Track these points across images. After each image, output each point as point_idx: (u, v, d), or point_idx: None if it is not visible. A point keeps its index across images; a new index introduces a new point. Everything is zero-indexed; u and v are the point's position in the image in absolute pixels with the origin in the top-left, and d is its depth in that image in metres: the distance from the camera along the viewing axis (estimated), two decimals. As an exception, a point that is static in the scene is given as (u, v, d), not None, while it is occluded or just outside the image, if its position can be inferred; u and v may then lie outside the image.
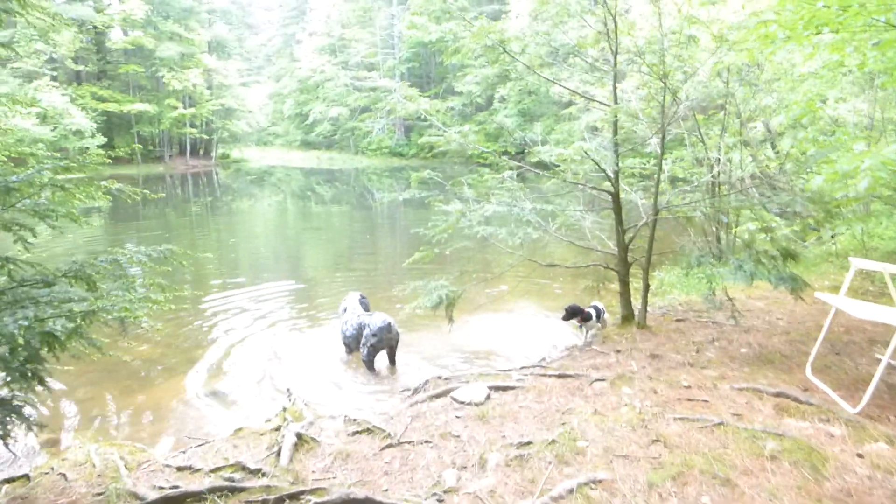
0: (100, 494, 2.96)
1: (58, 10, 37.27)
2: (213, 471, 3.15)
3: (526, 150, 6.45)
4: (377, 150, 48.49)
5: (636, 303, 6.38)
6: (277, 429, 3.78)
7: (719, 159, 8.69)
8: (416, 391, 4.54)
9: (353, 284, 10.35)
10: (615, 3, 5.30)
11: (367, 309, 6.55)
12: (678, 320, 6.33)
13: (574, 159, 5.93)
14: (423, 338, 6.87)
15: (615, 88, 5.80)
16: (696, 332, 5.75)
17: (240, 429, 3.98)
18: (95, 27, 40.48)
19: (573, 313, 5.99)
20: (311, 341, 7.14)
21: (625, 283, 6.05)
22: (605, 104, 5.93)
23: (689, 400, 3.89)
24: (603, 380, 4.30)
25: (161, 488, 2.93)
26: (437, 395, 4.19)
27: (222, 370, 6.25)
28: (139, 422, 4.94)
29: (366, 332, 5.95)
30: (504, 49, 5.85)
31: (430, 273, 6.79)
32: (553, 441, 3.29)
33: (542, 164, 6.31)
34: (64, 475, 3.22)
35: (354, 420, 3.74)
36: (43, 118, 33.33)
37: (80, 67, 39.75)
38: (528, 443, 3.31)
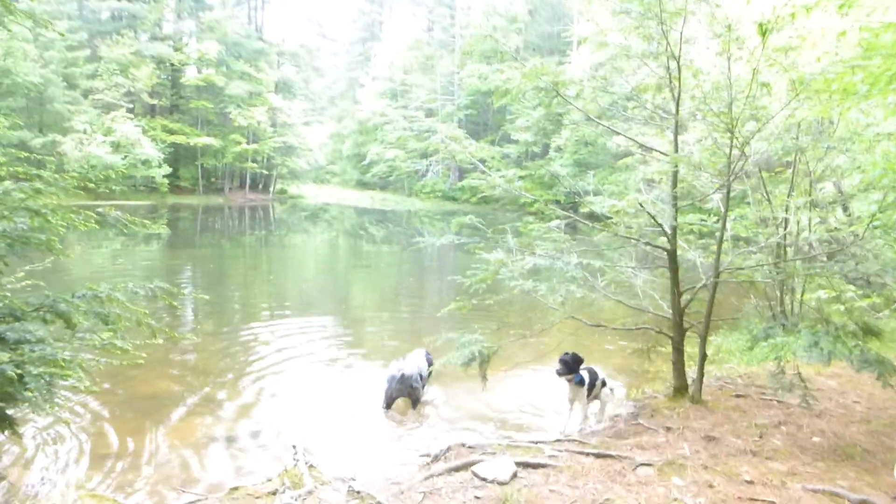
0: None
1: (140, 48, 39.55)
2: (188, 543, 2.76)
3: (578, 202, 6.02)
4: (430, 193, 48.78)
5: (689, 371, 5.76)
6: (274, 492, 3.38)
7: (787, 219, 8.03)
8: (435, 458, 4.07)
9: (396, 328, 10.01)
10: (679, 45, 4.89)
11: (430, 365, 6.21)
12: (738, 395, 5.66)
13: (627, 212, 5.45)
14: (454, 394, 6.40)
15: (676, 137, 5.35)
16: (758, 413, 5.09)
17: (236, 488, 3.59)
18: (172, 65, 42.67)
19: (574, 364, 5.25)
20: (341, 387, 6.77)
21: (679, 351, 5.45)
22: (664, 153, 5.47)
23: (752, 500, 3.29)
24: (650, 465, 3.73)
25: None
26: (457, 468, 3.71)
27: (243, 413, 5.92)
28: (139, 465, 4.60)
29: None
30: (558, 92, 5.49)
31: (470, 322, 6.36)
32: (585, 542, 2.77)
33: (594, 216, 5.86)
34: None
35: (358, 493, 3.29)
36: (116, 147, 34.96)
37: (155, 101, 41.73)
38: (556, 542, 2.80)
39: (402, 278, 17.09)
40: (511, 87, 5.60)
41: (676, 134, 5.34)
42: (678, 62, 5.04)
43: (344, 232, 31.92)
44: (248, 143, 43.05)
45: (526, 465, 3.74)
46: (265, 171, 46.47)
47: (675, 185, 5.29)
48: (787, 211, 7.93)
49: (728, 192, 5.27)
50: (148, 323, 2.86)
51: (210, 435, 5.37)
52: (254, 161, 44.49)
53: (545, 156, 41.02)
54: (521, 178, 6.20)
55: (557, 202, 6.58)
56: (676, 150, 5.29)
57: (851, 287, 8.59)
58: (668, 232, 5.31)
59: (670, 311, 5.58)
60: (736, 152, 5.00)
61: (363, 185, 55.28)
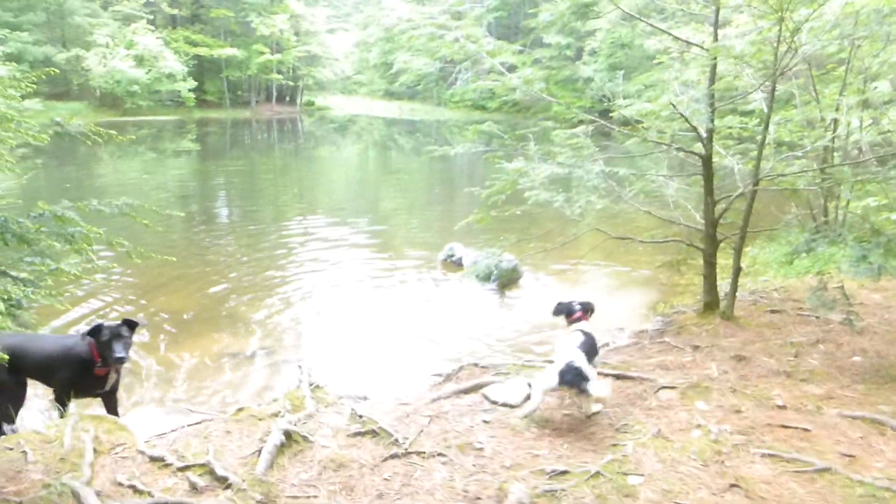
0: (48, 486, 2.53)
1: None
2: (181, 469, 2.66)
3: (608, 105, 5.53)
4: (460, 102, 47.26)
5: (722, 284, 5.42)
6: (277, 414, 3.27)
7: (836, 121, 7.35)
8: (446, 378, 3.92)
9: (423, 239, 9.87)
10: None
11: None
12: (773, 311, 5.33)
13: (660, 114, 4.97)
14: (471, 309, 6.23)
15: (716, 28, 4.76)
16: (794, 330, 4.77)
17: (241, 409, 3.49)
18: (190, -29, 41.13)
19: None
20: (367, 304, 6.66)
21: (710, 265, 5.10)
22: (703, 48, 4.91)
23: (783, 427, 3.05)
24: (672, 387, 3.50)
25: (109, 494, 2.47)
26: (467, 390, 3.54)
27: (264, 330, 5.88)
28: (150, 383, 4.61)
29: None
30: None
31: (491, 232, 6.08)
32: (597, 473, 2.58)
33: (626, 122, 5.39)
34: (26, 454, 2.83)
35: (360, 417, 3.16)
36: (139, 61, 34.46)
37: (175, 11, 40.61)
38: (565, 472, 2.61)
39: (431, 189, 16.83)
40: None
41: (717, 24, 4.75)
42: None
43: (373, 143, 31.41)
44: (271, 53, 41.91)
45: (540, 387, 3.54)
46: (291, 83, 45.46)
47: (712, 81, 4.76)
48: (837, 111, 7.26)
49: (773, 90, 4.73)
50: (120, 242, 2.65)
51: (226, 352, 5.35)
52: (279, 72, 43.45)
53: (579, 61, 39.13)
54: (545, 81, 5.72)
55: (583, 107, 6.11)
56: (717, 39, 4.73)
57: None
58: (704, 135, 4.83)
59: (703, 221, 5.19)
60: (784, 45, 4.43)
61: (391, 94, 53.84)
